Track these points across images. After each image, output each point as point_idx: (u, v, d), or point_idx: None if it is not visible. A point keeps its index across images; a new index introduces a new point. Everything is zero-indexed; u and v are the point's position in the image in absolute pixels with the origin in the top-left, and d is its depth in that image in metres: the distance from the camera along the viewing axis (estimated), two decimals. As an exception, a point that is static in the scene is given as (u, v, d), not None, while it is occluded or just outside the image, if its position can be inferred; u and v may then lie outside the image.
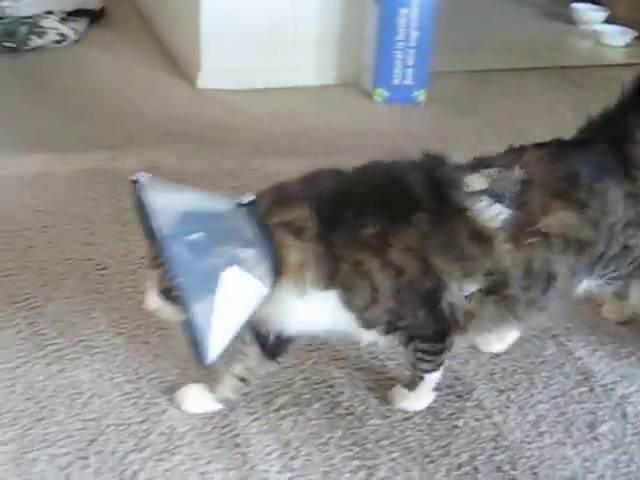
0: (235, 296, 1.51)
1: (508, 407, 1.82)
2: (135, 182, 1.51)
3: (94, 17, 3.74)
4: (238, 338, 1.60)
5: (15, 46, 3.45)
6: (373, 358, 1.91)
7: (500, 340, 1.95)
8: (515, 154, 1.73)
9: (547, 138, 1.81)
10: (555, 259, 1.67)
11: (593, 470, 1.68)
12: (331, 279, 1.58)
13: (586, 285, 1.81)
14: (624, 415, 1.82)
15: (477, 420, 1.78)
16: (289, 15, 3.25)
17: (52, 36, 3.51)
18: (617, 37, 3.95)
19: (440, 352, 1.72)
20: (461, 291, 1.62)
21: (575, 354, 1.98)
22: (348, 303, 1.60)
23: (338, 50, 3.35)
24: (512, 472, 1.67)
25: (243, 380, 1.74)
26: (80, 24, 3.63)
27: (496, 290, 1.65)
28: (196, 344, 1.48)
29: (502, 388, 1.87)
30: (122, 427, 1.71)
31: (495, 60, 3.67)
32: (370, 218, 1.58)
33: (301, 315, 1.62)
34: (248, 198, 1.57)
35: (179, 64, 3.42)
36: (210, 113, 3.09)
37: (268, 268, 1.54)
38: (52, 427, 1.70)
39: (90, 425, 1.71)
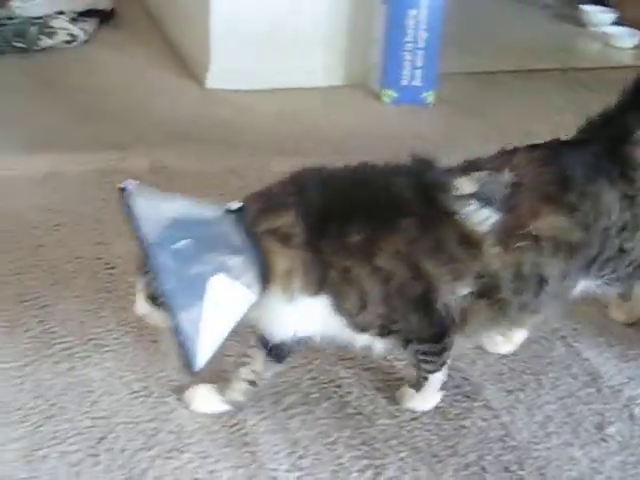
0: (223, 303, 1.50)
1: (516, 407, 1.82)
2: (123, 190, 1.51)
3: (104, 18, 3.75)
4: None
5: (25, 46, 3.46)
6: (381, 358, 1.91)
7: (508, 341, 1.95)
8: (505, 157, 1.72)
9: (553, 140, 1.81)
10: (545, 262, 1.66)
11: (600, 471, 1.69)
12: (320, 285, 1.58)
13: (584, 286, 1.80)
14: (631, 416, 1.82)
15: (485, 420, 1.79)
16: (296, 16, 3.26)
17: (62, 36, 3.52)
18: (626, 39, 3.95)
19: (440, 352, 1.72)
20: (453, 294, 1.62)
21: (583, 355, 1.98)
22: (338, 308, 1.60)
23: (346, 51, 3.35)
24: (520, 472, 1.67)
25: (252, 383, 1.74)
26: (90, 24, 3.64)
27: (488, 293, 1.64)
28: (184, 351, 1.48)
29: (510, 389, 1.87)
30: (131, 425, 1.72)
31: (504, 62, 3.66)
32: (358, 224, 1.57)
33: (291, 320, 1.61)
34: (236, 205, 1.56)
35: (188, 64, 3.43)
36: (218, 113, 3.10)
37: (256, 275, 1.54)
38: (62, 424, 1.71)
39: (100, 423, 1.72)
